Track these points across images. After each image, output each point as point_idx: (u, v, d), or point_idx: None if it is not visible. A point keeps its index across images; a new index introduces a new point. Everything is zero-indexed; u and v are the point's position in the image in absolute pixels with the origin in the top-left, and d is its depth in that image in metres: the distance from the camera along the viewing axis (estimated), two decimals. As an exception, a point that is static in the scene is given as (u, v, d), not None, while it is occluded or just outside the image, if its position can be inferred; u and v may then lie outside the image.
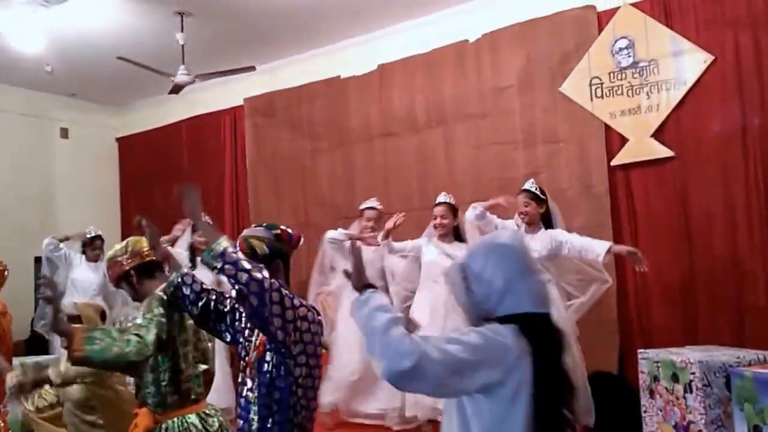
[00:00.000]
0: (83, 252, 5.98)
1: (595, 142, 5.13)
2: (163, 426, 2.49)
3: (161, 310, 2.46)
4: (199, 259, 4.96)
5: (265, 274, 2.13)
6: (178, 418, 2.51)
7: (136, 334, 2.35)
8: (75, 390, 3.17)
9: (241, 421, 2.23)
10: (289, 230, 2.39)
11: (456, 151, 5.82)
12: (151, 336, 2.36)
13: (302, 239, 2.47)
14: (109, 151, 8.61)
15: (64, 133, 8.12)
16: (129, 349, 2.29)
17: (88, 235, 5.98)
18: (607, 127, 5.08)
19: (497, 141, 5.57)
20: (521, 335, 1.62)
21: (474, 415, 1.62)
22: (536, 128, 5.42)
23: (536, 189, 4.40)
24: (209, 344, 2.72)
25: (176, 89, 6.16)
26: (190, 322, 2.51)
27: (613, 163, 5.05)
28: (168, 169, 7.84)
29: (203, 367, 2.64)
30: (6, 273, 4.48)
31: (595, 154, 5.12)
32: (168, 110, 7.92)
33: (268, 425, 2.16)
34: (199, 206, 2.26)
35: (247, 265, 2.09)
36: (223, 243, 2.12)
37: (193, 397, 2.58)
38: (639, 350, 4.08)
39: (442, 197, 4.81)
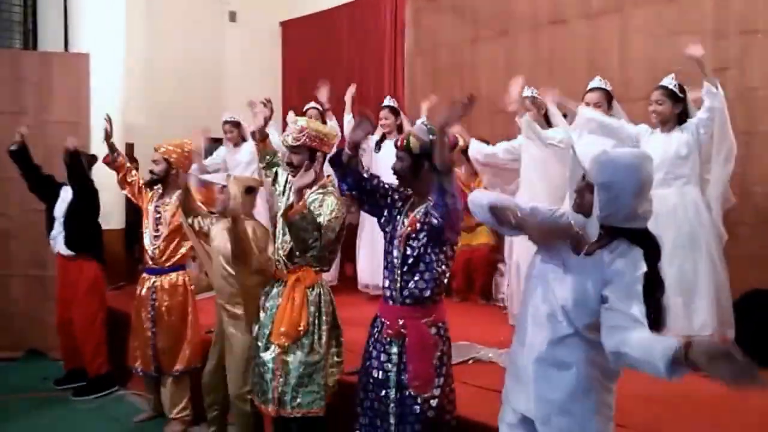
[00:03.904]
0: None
1: (803, 35, 4.47)
2: (320, 282, 3.21)
3: (340, 207, 3.07)
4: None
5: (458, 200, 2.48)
6: (324, 280, 3.28)
7: (325, 221, 3.01)
8: (227, 247, 3.60)
9: (387, 281, 2.71)
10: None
11: (632, 41, 5.32)
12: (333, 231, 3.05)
13: (459, 142, 2.80)
14: (274, 35, 8.83)
15: (232, 16, 8.42)
16: (315, 236, 2.96)
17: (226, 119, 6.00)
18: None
19: (682, 30, 4.97)
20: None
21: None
22: (730, 16, 4.80)
23: (674, 86, 3.92)
24: None
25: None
26: None
27: (822, 59, 4.39)
28: (329, 54, 7.94)
29: None
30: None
31: (801, 49, 4.48)
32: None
33: (410, 285, 2.63)
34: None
35: (455, 191, 2.46)
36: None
37: None
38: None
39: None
